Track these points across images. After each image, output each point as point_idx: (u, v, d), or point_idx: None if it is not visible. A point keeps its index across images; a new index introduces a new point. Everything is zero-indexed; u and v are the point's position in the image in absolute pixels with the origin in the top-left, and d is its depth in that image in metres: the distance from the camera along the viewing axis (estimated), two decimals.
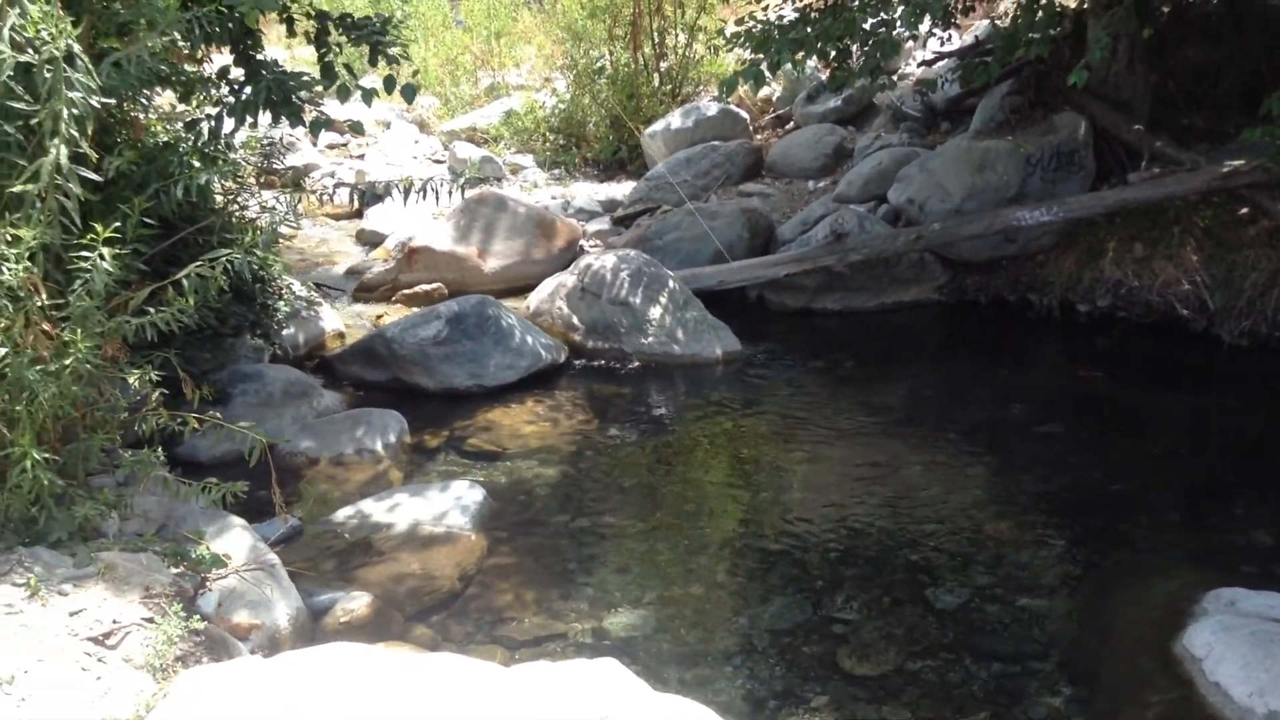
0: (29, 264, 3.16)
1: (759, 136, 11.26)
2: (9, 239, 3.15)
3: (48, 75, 3.03)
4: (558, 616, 4.07)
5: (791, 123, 11.24)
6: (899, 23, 7.00)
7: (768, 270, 7.84)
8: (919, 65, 10.85)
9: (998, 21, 10.06)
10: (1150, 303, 7.12)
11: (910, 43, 9.97)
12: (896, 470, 5.34)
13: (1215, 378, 6.59)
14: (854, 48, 7.50)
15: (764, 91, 11.72)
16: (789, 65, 7.08)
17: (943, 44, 9.76)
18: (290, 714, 1.83)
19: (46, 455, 3.17)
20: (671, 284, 7.19)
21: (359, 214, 10.22)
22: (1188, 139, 7.83)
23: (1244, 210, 7.03)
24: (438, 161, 12.60)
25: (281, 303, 5.87)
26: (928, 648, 3.82)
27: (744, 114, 11.15)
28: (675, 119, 11.07)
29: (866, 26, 7.11)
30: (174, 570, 3.38)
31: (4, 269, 3.11)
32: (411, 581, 4.25)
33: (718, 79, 12.45)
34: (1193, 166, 7.16)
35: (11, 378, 3.14)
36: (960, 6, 8.61)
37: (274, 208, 4.27)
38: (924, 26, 8.28)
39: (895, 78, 10.17)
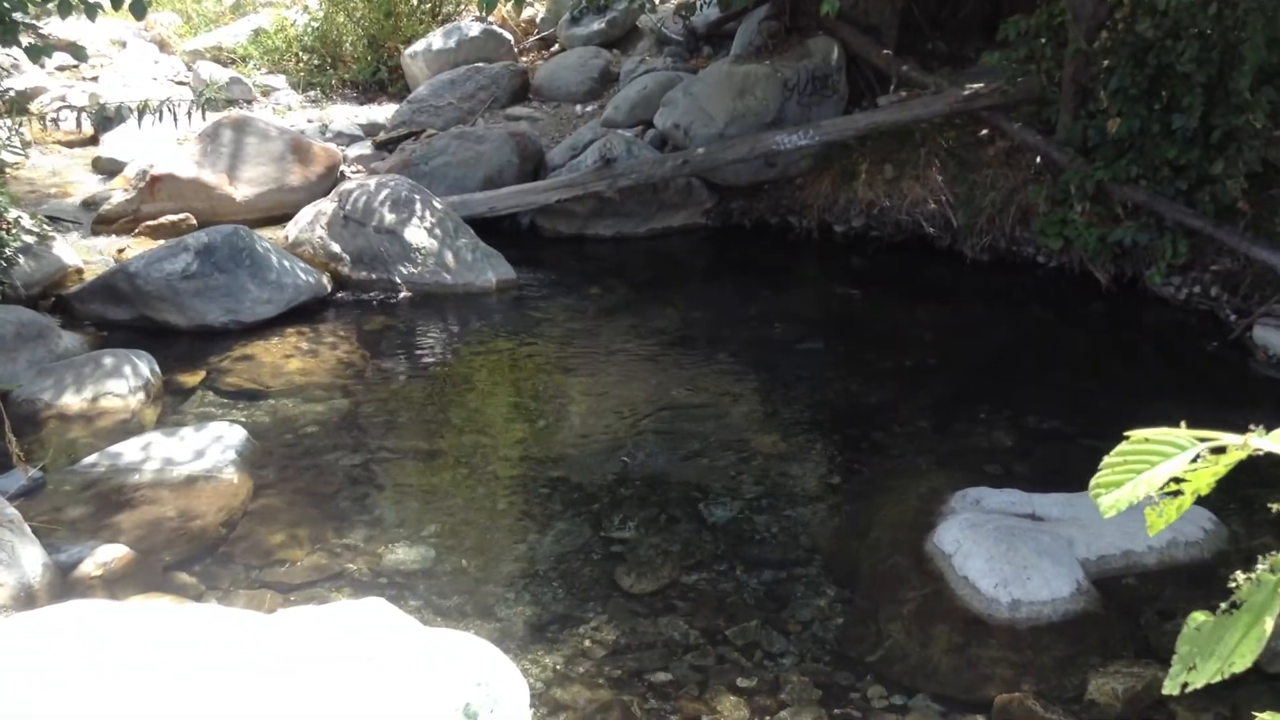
0: None
1: (524, 59, 11.07)
2: None
3: None
4: (333, 556, 3.96)
5: (556, 45, 11.09)
6: None
7: (539, 196, 7.77)
8: None
9: None
10: (900, 222, 7.52)
11: None
12: (669, 391, 5.46)
13: (959, 291, 7.07)
14: None
15: (527, 12, 11.51)
16: None
17: None
18: (25, 677, 1.68)
19: None
20: (439, 210, 7.01)
21: (94, 140, 9.38)
22: (932, 63, 8.26)
23: (984, 131, 7.51)
24: (180, 83, 11.68)
25: (9, 237, 5.33)
26: (701, 560, 3.96)
27: (508, 35, 10.92)
28: (437, 39, 10.71)
29: None
30: None
31: None
32: (170, 528, 4.02)
33: None
34: (937, 90, 7.54)
35: None
36: None
37: None
38: None
39: (657, 1, 10.20)
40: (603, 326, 6.43)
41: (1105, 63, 6.51)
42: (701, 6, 9.25)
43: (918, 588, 3.76)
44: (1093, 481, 1.06)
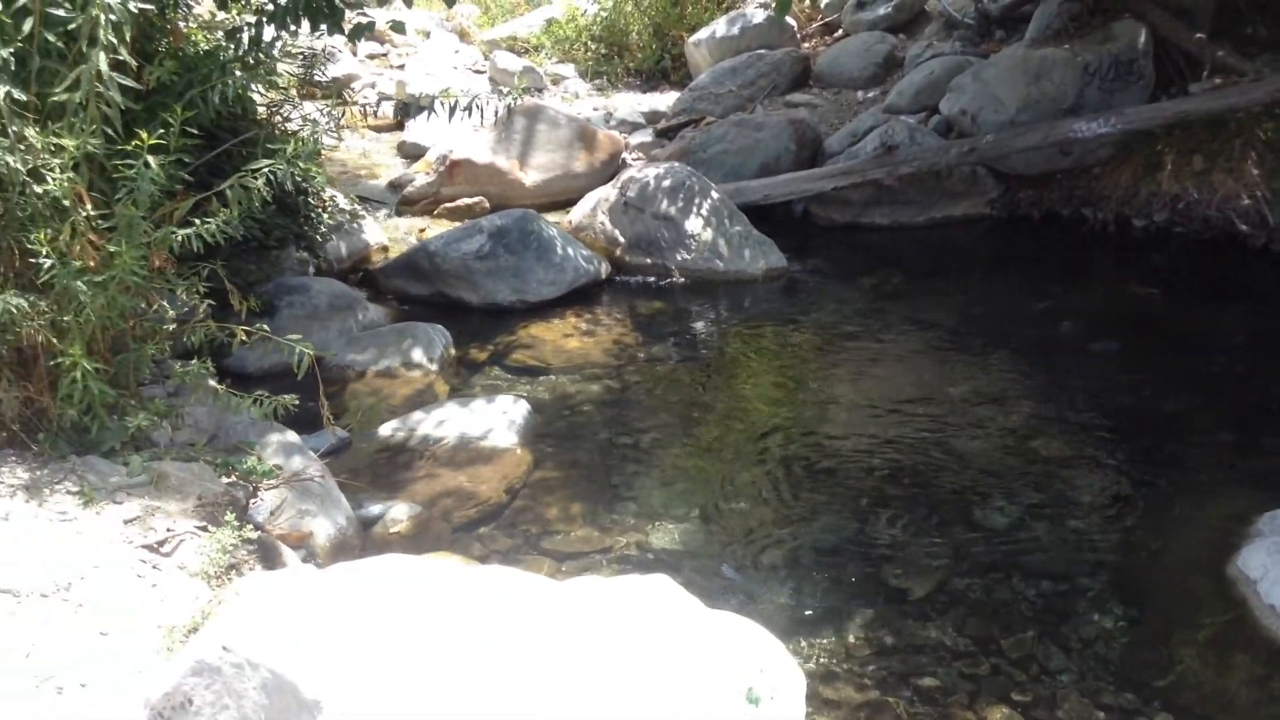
0: (73, 174, 3.14)
1: (806, 45, 10.97)
2: (53, 148, 3.12)
3: None
4: (604, 530, 4.08)
5: (840, 30, 10.92)
6: None
7: (815, 184, 7.69)
8: None
9: None
10: (1209, 218, 6.92)
11: None
12: (944, 388, 5.27)
13: (1273, 296, 6.42)
14: None
15: None
16: None
17: None
18: (354, 622, 1.84)
19: (97, 365, 3.18)
20: (715, 197, 7.07)
21: (400, 126, 10.11)
22: (1251, 48, 7.52)
23: None
24: (478, 71, 12.41)
25: (325, 215, 5.84)
26: (974, 566, 3.80)
27: (791, 22, 10.85)
28: (720, 26, 10.80)
29: None
30: (226, 480, 3.41)
31: (49, 179, 3.09)
32: (458, 494, 4.28)
33: None
34: (1256, 77, 6.90)
35: (59, 288, 3.14)
36: None
37: (316, 119, 4.20)
38: None
39: None
40: (875, 317, 6.28)
41: None
42: None
43: (1216, 613, 3.47)
44: None
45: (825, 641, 3.39)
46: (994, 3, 9.33)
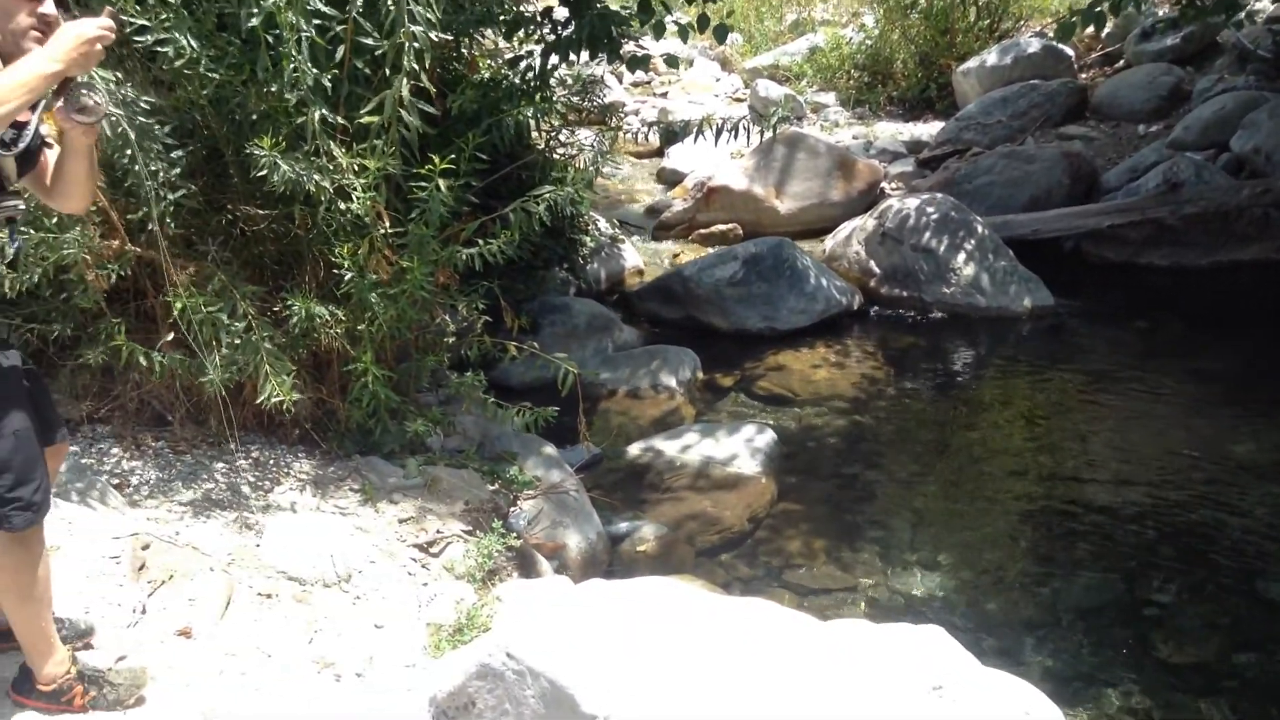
0: (374, 193, 3.39)
1: (1084, 75, 10.43)
2: (357, 169, 3.38)
3: (391, 8, 3.21)
4: (846, 569, 4.01)
5: (1122, 60, 10.32)
6: None
7: (1089, 220, 7.29)
8: (1273, 1, 9.63)
9: None
10: None
11: None
12: (1225, 445, 4.86)
13: None
14: None
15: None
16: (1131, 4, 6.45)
17: None
18: (627, 641, 1.89)
19: (384, 372, 3.42)
20: (980, 231, 6.83)
21: (660, 152, 10.35)
22: None
23: None
24: (738, 99, 12.54)
25: (588, 239, 6.05)
26: (1255, 640, 3.50)
27: (1069, 52, 10.35)
28: (992, 56, 10.44)
29: None
30: (491, 487, 3.59)
31: (353, 198, 3.35)
32: (702, 518, 4.32)
33: (1040, 13, 11.64)
34: None
35: (356, 298, 3.40)
36: None
37: (591, 146, 4.37)
38: None
39: (1246, 14, 9.10)
40: (1149, 364, 5.88)
41: None
42: None
43: None
44: None
45: (1088, 708, 3.19)
46: None
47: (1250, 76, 8.72)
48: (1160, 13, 9.29)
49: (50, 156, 2.21)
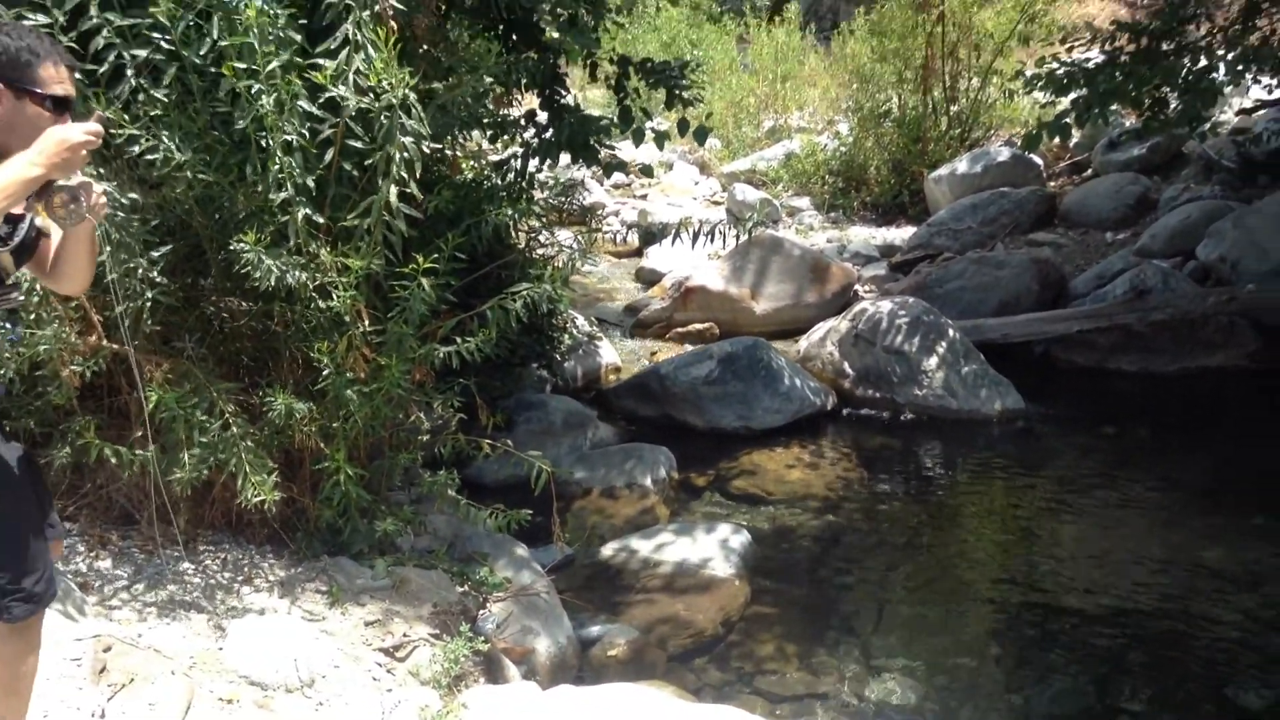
0: (355, 292, 3.42)
1: (1053, 183, 10.73)
2: (340, 267, 3.42)
3: (384, 121, 3.28)
4: (819, 674, 3.97)
5: (1090, 170, 10.64)
6: (1222, 71, 6.46)
7: (1058, 325, 7.42)
8: (1236, 113, 10.00)
9: None
10: None
11: (1230, 87, 9.21)
12: (1194, 552, 4.89)
13: None
14: (1170, 95, 7.00)
15: None
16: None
17: (1268, 91, 8.94)
18: None
19: (357, 470, 3.41)
20: (951, 334, 6.93)
21: (639, 252, 10.51)
22: None
23: None
24: (716, 202, 12.79)
25: (566, 336, 6.10)
26: None
27: (1038, 160, 10.67)
28: (963, 164, 10.74)
29: (1184, 74, 6.62)
30: (459, 589, 3.56)
31: (334, 296, 3.38)
32: (675, 621, 4.27)
33: (1011, 123, 11.99)
34: None
35: (332, 396, 3.41)
36: None
37: (570, 246, 4.45)
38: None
39: (1210, 126, 9.43)
40: (1118, 469, 5.93)
41: None
42: (1267, 136, 8.38)
43: None
44: None
45: None
46: (1257, 146, 8.86)
47: (1215, 186, 9.00)
48: (1126, 123, 9.59)
49: (53, 241, 2.23)
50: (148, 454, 2.99)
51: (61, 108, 2.06)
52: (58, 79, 2.05)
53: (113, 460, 3.14)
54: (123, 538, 3.50)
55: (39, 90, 2.02)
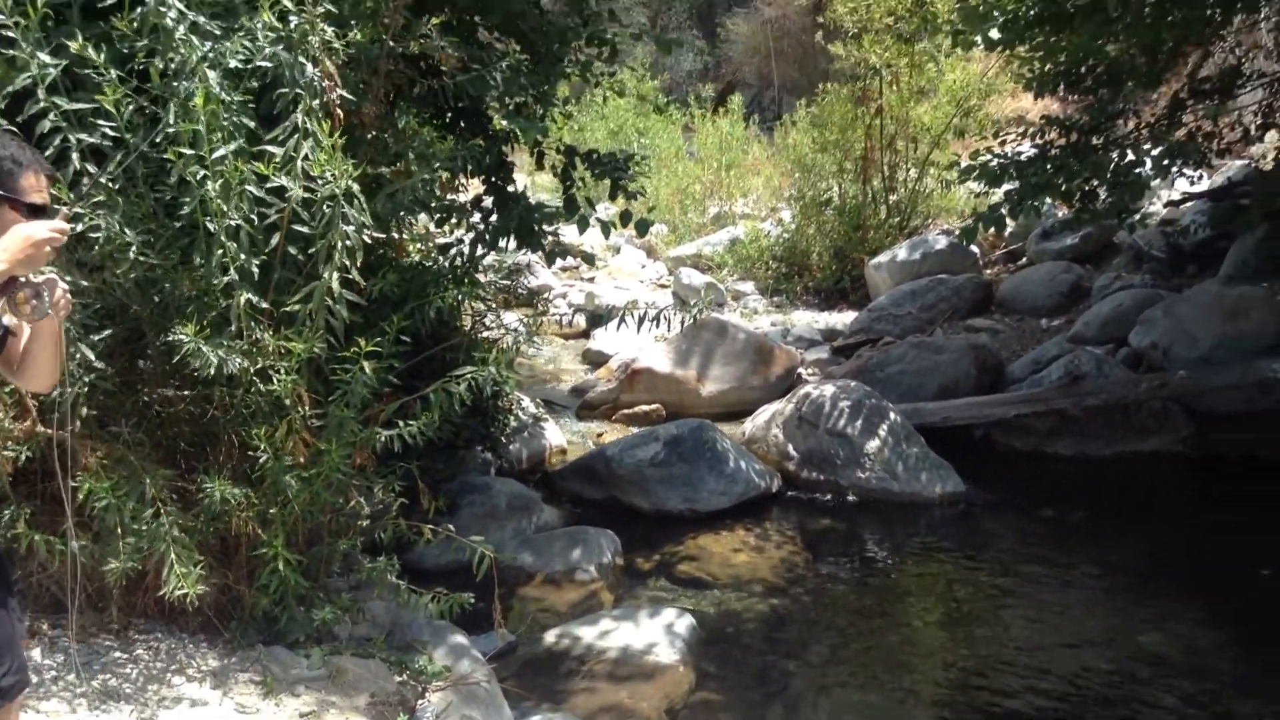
0: (296, 376, 3.41)
1: (989, 271, 11.03)
2: (282, 351, 3.41)
3: (327, 210, 3.31)
4: None
5: (1024, 258, 10.95)
6: (1149, 165, 6.74)
7: (996, 409, 7.57)
8: (1164, 205, 10.40)
9: (1258, 164, 9.54)
10: None
11: (1157, 180, 9.60)
12: (1133, 636, 4.94)
13: None
14: (1099, 188, 7.27)
15: None
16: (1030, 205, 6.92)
17: (1193, 184, 9.33)
18: None
19: (295, 557, 3.36)
20: (893, 417, 7.04)
21: (586, 334, 10.58)
22: None
23: None
24: (663, 285, 12.95)
25: (511, 418, 6.10)
26: None
27: (974, 249, 10.96)
28: (902, 251, 11.00)
29: (1112, 168, 6.90)
30: (398, 678, 3.50)
31: (275, 380, 3.37)
32: (617, 710, 4.22)
33: (948, 212, 12.35)
34: None
35: (269, 481, 3.37)
36: (1216, 149, 8.21)
37: (516, 329, 4.48)
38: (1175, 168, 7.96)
39: (1139, 217, 9.80)
40: (1055, 552, 6.00)
41: None
42: (1194, 228, 8.72)
43: None
44: None
45: None
46: (1185, 238, 9.20)
47: (1146, 275, 9.30)
48: (1059, 214, 9.91)
49: (21, 340, 2.24)
50: (76, 546, 2.93)
51: (36, 215, 2.12)
52: (37, 188, 2.13)
53: (43, 550, 3.08)
54: (53, 626, 3.40)
55: (19, 199, 2.09)
